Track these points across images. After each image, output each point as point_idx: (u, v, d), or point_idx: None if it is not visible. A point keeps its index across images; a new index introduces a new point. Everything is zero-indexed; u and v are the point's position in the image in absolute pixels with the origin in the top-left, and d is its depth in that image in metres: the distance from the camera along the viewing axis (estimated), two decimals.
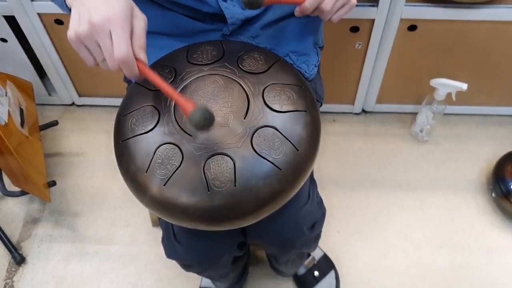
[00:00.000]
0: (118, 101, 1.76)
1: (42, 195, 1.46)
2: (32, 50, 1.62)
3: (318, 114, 0.80)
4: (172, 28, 0.95)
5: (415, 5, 1.37)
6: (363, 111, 1.79)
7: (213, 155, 0.73)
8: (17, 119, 1.44)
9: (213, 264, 0.89)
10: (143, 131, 0.76)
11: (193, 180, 0.72)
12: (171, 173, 0.73)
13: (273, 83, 0.79)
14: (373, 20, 1.41)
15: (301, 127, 0.76)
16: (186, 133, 0.75)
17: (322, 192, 1.06)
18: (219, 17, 0.92)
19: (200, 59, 0.82)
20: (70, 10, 0.71)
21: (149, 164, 0.74)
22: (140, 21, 0.68)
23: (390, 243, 1.49)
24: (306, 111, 0.78)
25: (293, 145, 0.74)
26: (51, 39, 1.55)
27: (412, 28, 1.44)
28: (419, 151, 1.70)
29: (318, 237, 1.02)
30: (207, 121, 0.65)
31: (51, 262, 1.50)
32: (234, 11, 0.90)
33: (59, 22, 1.49)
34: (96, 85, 1.74)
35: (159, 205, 0.74)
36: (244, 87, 0.78)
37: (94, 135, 1.77)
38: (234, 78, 0.79)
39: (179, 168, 0.73)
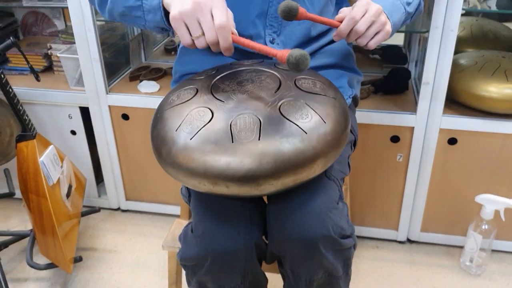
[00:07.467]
0: (160, 208, 1.82)
1: (66, 267, 1.42)
2: (96, 153, 1.78)
3: (347, 107, 0.82)
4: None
5: (453, 116, 1.44)
6: (408, 240, 1.71)
7: (241, 114, 0.75)
8: (64, 189, 1.51)
9: (228, 260, 0.79)
10: (180, 102, 0.82)
11: (219, 133, 0.74)
12: (199, 129, 0.75)
13: (304, 77, 0.84)
14: (413, 128, 1.47)
15: (330, 107, 0.78)
16: (219, 100, 0.79)
17: None
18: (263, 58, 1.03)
19: (242, 63, 0.91)
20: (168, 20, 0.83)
21: (180, 124, 0.77)
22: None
23: None
24: (335, 99, 0.81)
25: (321, 117, 0.76)
26: (114, 134, 1.71)
27: (453, 141, 1.47)
28: (471, 283, 1.54)
29: (348, 259, 0.90)
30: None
31: None
32: None
33: (125, 117, 1.66)
34: (144, 189, 1.82)
35: (183, 158, 0.74)
36: (278, 75, 0.84)
37: (131, 237, 1.76)
38: (269, 70, 0.86)
39: (207, 124, 0.75)
